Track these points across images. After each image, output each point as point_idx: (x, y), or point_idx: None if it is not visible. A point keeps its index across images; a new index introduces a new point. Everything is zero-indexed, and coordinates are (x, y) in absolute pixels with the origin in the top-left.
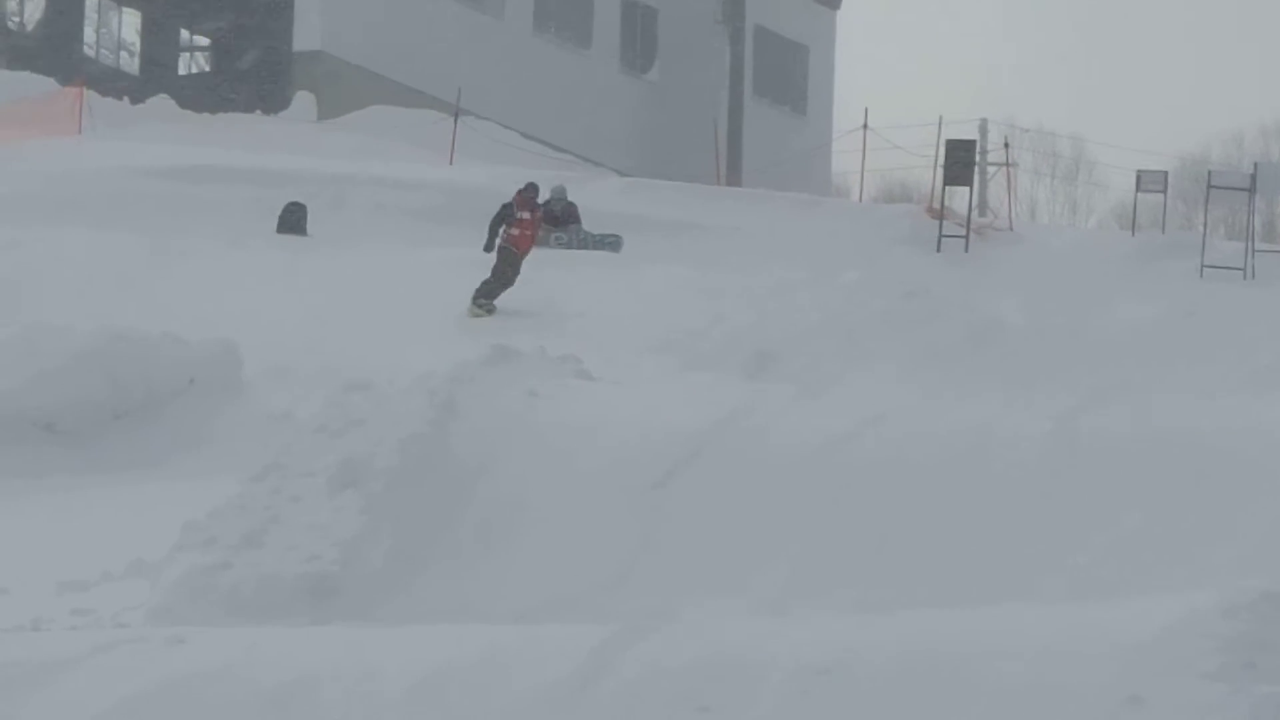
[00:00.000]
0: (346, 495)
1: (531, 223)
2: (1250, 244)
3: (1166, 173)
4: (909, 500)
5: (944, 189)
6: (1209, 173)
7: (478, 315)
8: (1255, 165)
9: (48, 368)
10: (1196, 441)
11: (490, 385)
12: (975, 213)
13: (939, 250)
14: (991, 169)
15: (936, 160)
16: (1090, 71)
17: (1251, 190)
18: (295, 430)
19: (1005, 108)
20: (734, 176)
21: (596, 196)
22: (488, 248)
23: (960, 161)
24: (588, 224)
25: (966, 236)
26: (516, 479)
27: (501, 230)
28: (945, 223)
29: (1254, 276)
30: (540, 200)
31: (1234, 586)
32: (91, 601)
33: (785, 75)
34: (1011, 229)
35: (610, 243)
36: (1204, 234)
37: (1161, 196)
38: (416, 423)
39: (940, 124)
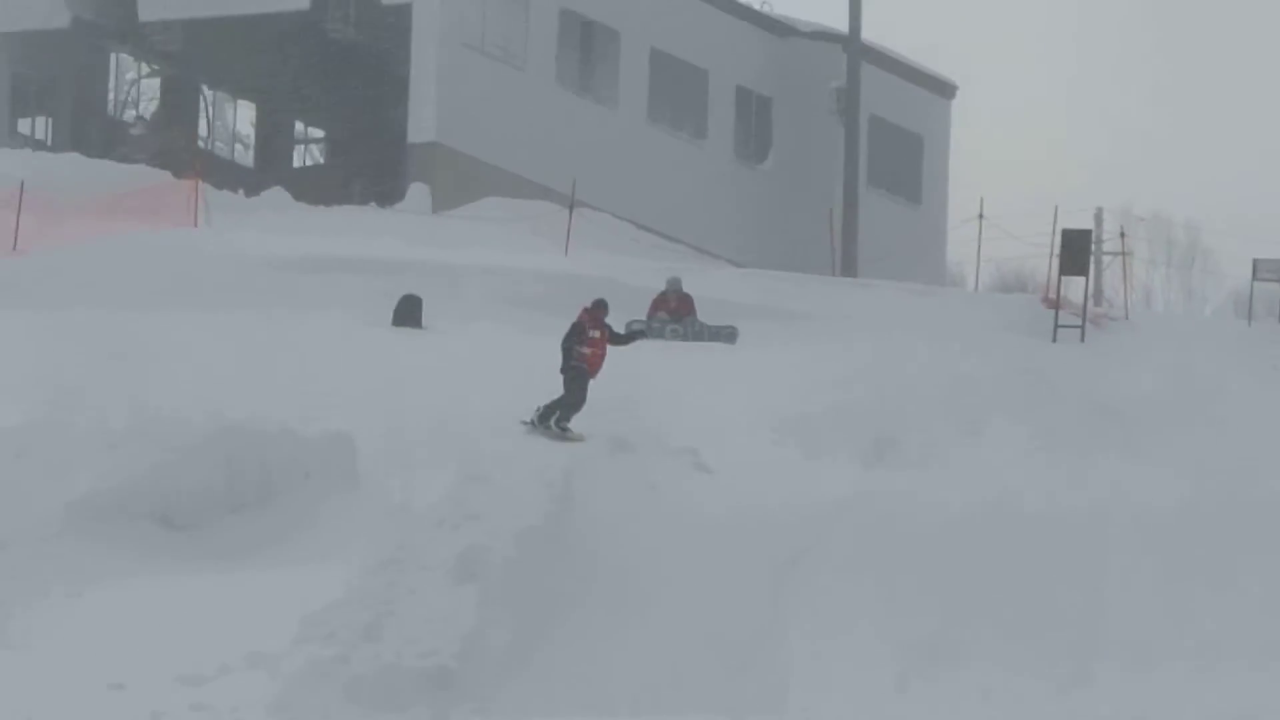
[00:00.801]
0: (465, 588)
1: (602, 340)
2: None
3: None
4: (1026, 585)
5: (1060, 279)
6: None
7: (572, 440)
8: None
9: (164, 460)
10: None
11: (608, 477)
12: (1091, 302)
13: (1055, 340)
14: (1107, 258)
15: (1052, 250)
16: (1207, 157)
17: None
18: (413, 522)
19: (1121, 195)
20: (849, 266)
21: (712, 286)
22: (563, 369)
23: (1076, 251)
24: (703, 315)
25: (1083, 326)
26: (634, 569)
27: (574, 351)
28: (1061, 312)
29: None
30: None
31: None
32: (210, 696)
33: (900, 164)
34: (1127, 318)
35: (726, 334)
36: None
37: (1279, 285)
38: (533, 515)
39: (1056, 213)
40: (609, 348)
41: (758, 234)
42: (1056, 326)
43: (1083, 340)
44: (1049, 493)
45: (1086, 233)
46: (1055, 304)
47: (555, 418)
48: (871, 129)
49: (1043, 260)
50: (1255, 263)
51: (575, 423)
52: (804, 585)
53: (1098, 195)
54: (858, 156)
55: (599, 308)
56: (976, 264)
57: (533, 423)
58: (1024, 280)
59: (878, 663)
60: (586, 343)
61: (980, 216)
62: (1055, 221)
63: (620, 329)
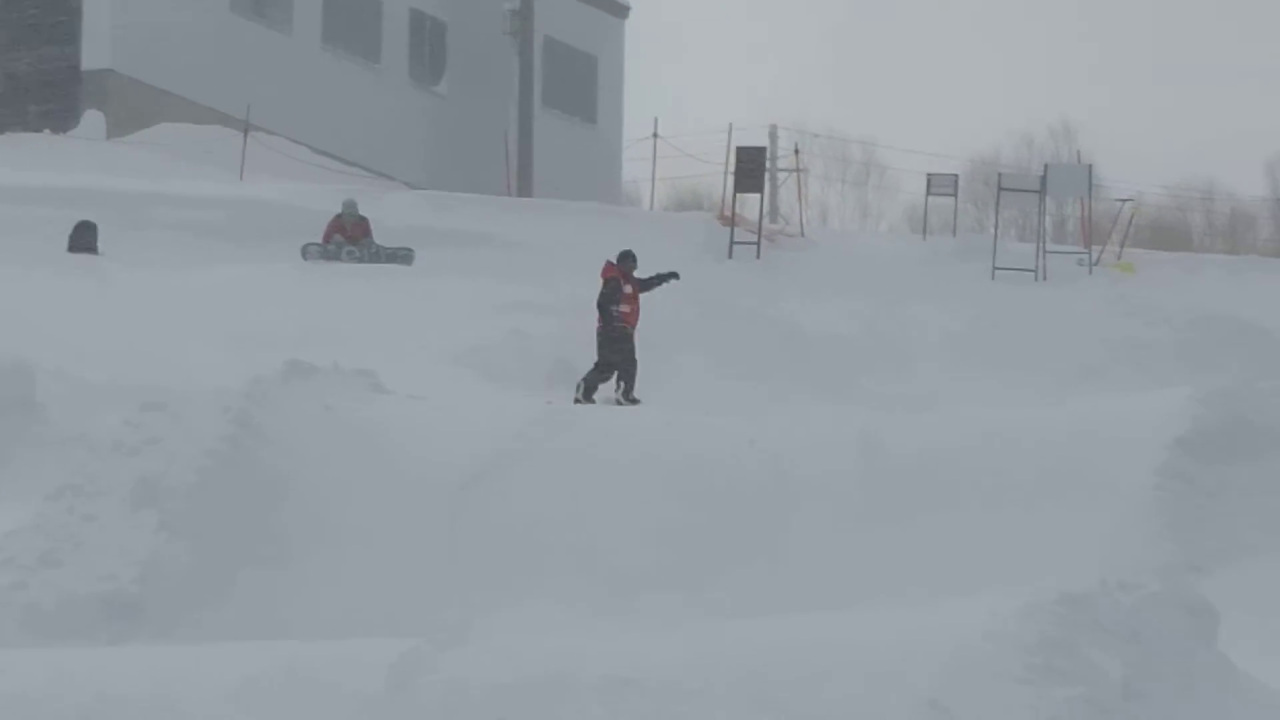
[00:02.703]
0: (144, 513)
1: (635, 294)
2: (1041, 245)
3: (957, 176)
4: (713, 508)
5: (735, 196)
6: (999, 175)
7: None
8: (1045, 167)
9: None
10: (1006, 446)
11: (286, 401)
12: (767, 219)
13: (730, 257)
14: (782, 175)
15: (727, 167)
16: (880, 75)
17: (1042, 192)
18: (91, 449)
19: (795, 113)
20: (525, 187)
21: (388, 210)
22: (602, 333)
23: (750, 168)
24: (379, 238)
25: (758, 243)
26: (316, 494)
27: (613, 312)
28: (736, 230)
29: (1045, 278)
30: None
31: (1032, 589)
32: None
33: (575, 86)
34: (803, 235)
35: (402, 256)
36: (995, 236)
37: (952, 200)
38: (212, 439)
39: (730, 131)
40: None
41: (434, 157)
42: (732, 244)
43: (758, 257)
44: (732, 423)
45: (760, 149)
46: (730, 221)
47: (622, 390)
48: (546, 50)
49: (718, 179)
50: (929, 178)
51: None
52: (484, 505)
53: (773, 114)
54: (532, 78)
55: (627, 259)
56: (652, 183)
57: (578, 400)
58: (700, 199)
59: (561, 589)
60: (623, 299)
61: (655, 135)
62: (729, 139)
63: (301, 255)
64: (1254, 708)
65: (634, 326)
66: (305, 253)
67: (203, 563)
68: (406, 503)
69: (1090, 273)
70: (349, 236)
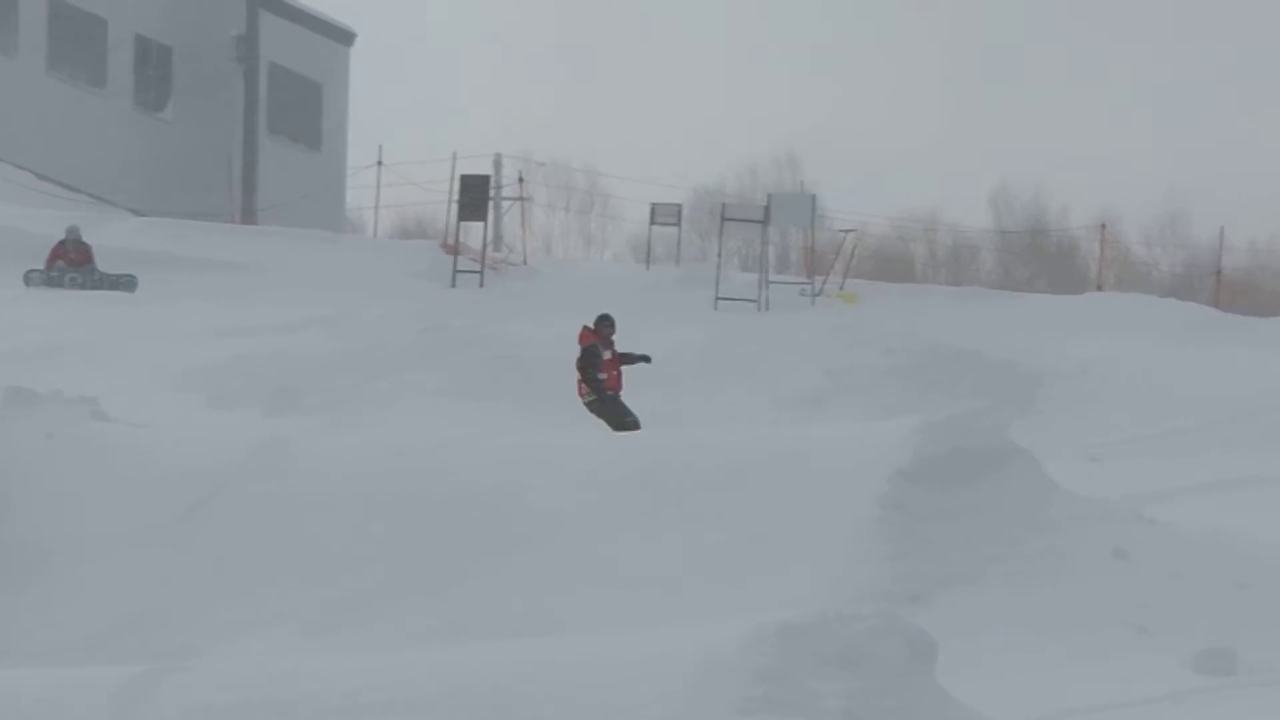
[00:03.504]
0: None
1: (615, 361)
2: (764, 275)
3: (680, 205)
4: (440, 531)
5: (459, 224)
6: (723, 205)
7: None
8: (769, 197)
9: None
10: (727, 471)
11: (7, 427)
12: (490, 248)
13: (454, 286)
14: (506, 204)
15: (451, 196)
16: (605, 105)
17: (765, 222)
18: None
19: (519, 142)
20: (249, 214)
21: (112, 236)
22: (593, 403)
23: (474, 197)
24: (103, 264)
25: (481, 272)
26: (37, 521)
27: (596, 380)
28: (460, 258)
29: (768, 308)
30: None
31: (753, 619)
32: None
33: (300, 112)
34: (526, 263)
35: (125, 282)
36: (719, 266)
37: (676, 229)
38: None
39: (454, 160)
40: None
41: (159, 183)
42: (455, 272)
43: (481, 285)
44: (454, 440)
45: (484, 178)
46: (454, 250)
47: None
48: (271, 77)
49: (442, 206)
50: (653, 207)
51: None
52: (211, 535)
53: (498, 143)
54: (257, 104)
55: (605, 324)
56: (375, 210)
57: None
58: (424, 226)
59: (283, 612)
60: (602, 366)
61: (379, 163)
62: (454, 167)
63: (24, 281)
64: None
65: (618, 391)
66: (28, 279)
67: None
68: (130, 529)
69: (813, 303)
70: (72, 262)
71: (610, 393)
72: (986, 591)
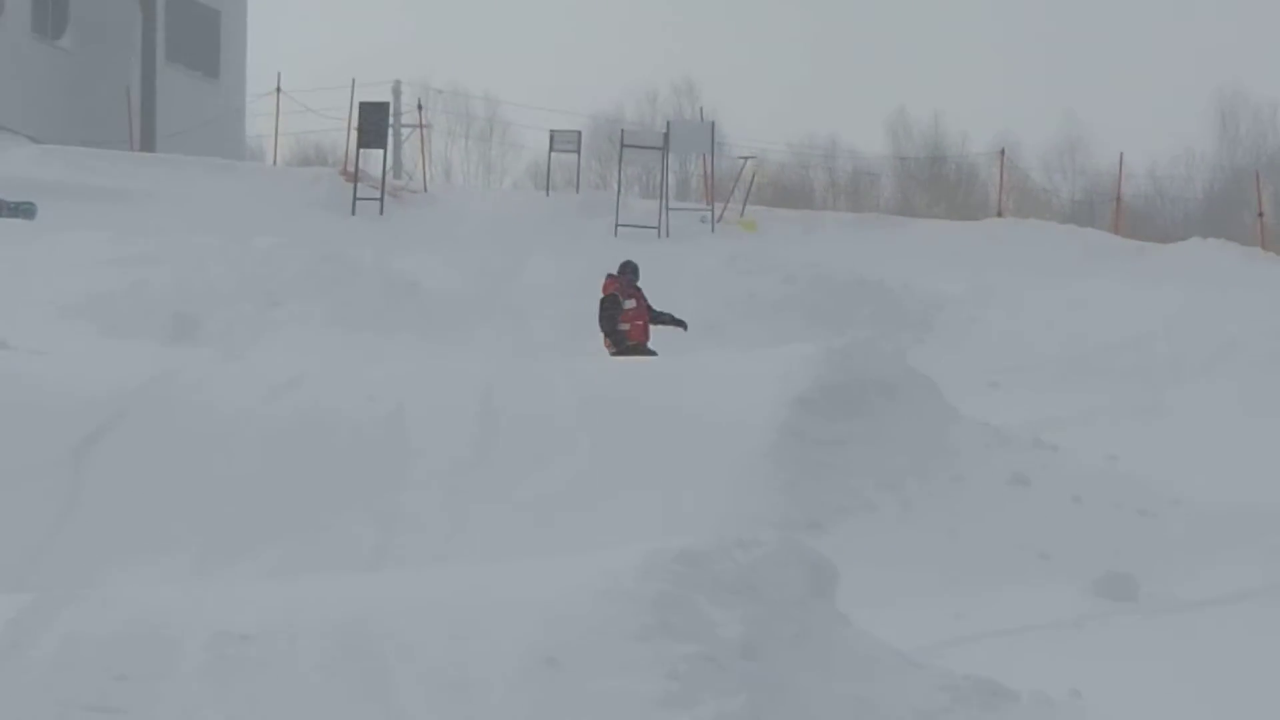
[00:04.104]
0: None
1: (641, 311)
2: (664, 203)
3: (580, 132)
4: (328, 462)
5: (358, 152)
6: (622, 132)
7: None
8: (668, 124)
9: None
10: (625, 398)
11: None
12: (390, 175)
13: (354, 213)
14: (405, 131)
15: (350, 123)
16: (505, 31)
17: (665, 149)
18: None
19: (419, 70)
20: (148, 142)
21: (10, 164)
22: (623, 354)
23: (373, 124)
24: (3, 192)
25: (381, 199)
26: None
27: (618, 333)
28: (360, 185)
29: (668, 235)
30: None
31: (652, 545)
32: None
33: (198, 41)
34: (426, 190)
35: (25, 210)
36: (618, 193)
37: (575, 156)
38: None
39: (353, 87)
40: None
41: (58, 111)
42: (355, 200)
43: (381, 213)
44: (340, 377)
45: (383, 105)
46: (354, 177)
47: None
48: (169, 5)
49: (341, 134)
50: (552, 134)
51: None
52: (104, 466)
53: (398, 70)
54: (155, 32)
55: (627, 270)
56: (275, 138)
57: None
58: (324, 154)
59: (179, 543)
60: (623, 315)
61: (278, 90)
62: (353, 95)
63: None
64: (868, 662)
65: (643, 342)
66: None
67: None
68: (24, 461)
69: (713, 230)
70: None
71: (633, 343)
72: (886, 518)
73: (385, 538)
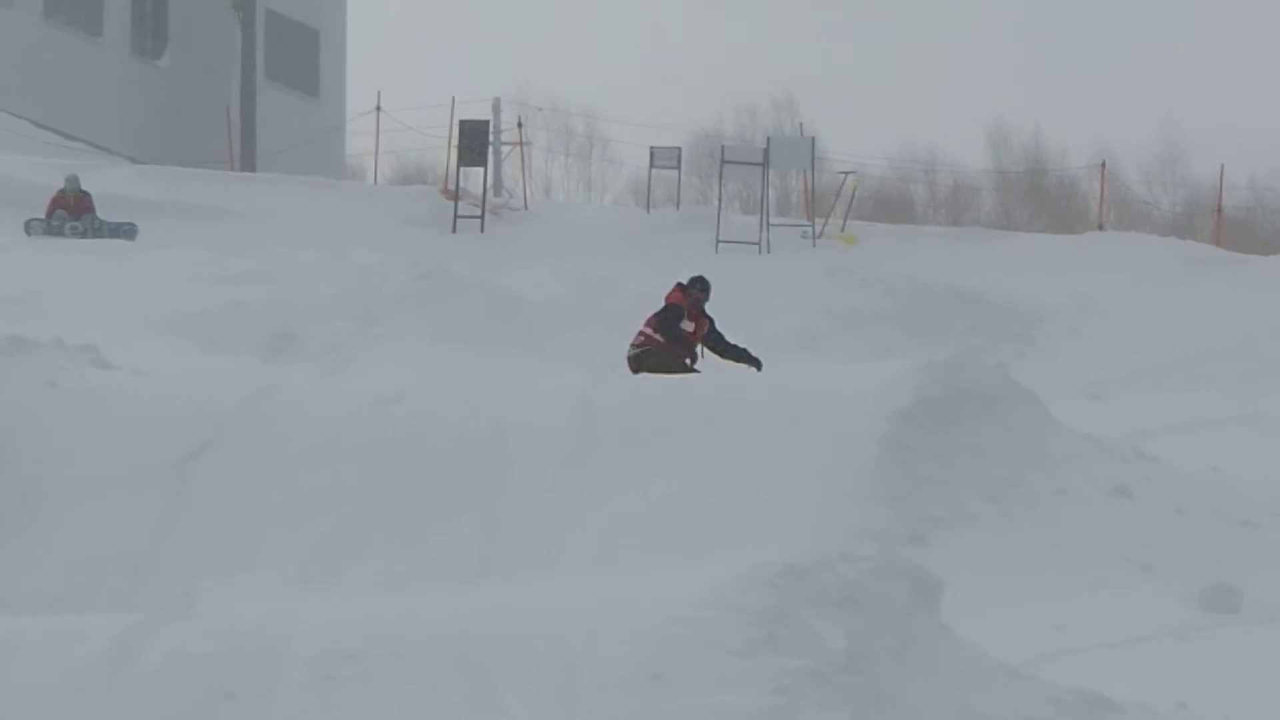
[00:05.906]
0: None
1: (697, 334)
2: (764, 218)
3: (680, 148)
4: (430, 473)
5: (459, 170)
6: (722, 148)
7: None
8: (768, 139)
9: None
10: (728, 412)
11: (7, 375)
12: (490, 193)
13: (455, 231)
14: (505, 148)
15: (450, 141)
16: (604, 48)
17: (765, 165)
18: None
19: (518, 87)
20: (248, 162)
21: (109, 184)
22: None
23: (474, 142)
24: (102, 212)
25: (482, 216)
26: (36, 468)
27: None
28: (460, 203)
29: (769, 250)
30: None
31: (757, 559)
32: None
33: (297, 60)
34: (526, 208)
35: (125, 231)
36: (719, 208)
37: (676, 172)
38: None
39: (453, 105)
40: (709, 354)
41: (157, 131)
42: (456, 218)
43: (482, 231)
44: (443, 393)
45: (483, 123)
46: (454, 195)
47: None
48: (268, 23)
49: (442, 152)
50: (652, 150)
51: None
52: (205, 481)
53: (497, 87)
54: (254, 51)
55: (695, 288)
56: (375, 156)
57: None
58: (424, 172)
59: (280, 556)
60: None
61: (378, 109)
62: (452, 113)
63: (25, 230)
64: (971, 674)
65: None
66: (28, 228)
67: None
68: (123, 476)
69: (813, 245)
70: (72, 211)
71: (682, 363)
72: (988, 531)
73: (487, 548)
